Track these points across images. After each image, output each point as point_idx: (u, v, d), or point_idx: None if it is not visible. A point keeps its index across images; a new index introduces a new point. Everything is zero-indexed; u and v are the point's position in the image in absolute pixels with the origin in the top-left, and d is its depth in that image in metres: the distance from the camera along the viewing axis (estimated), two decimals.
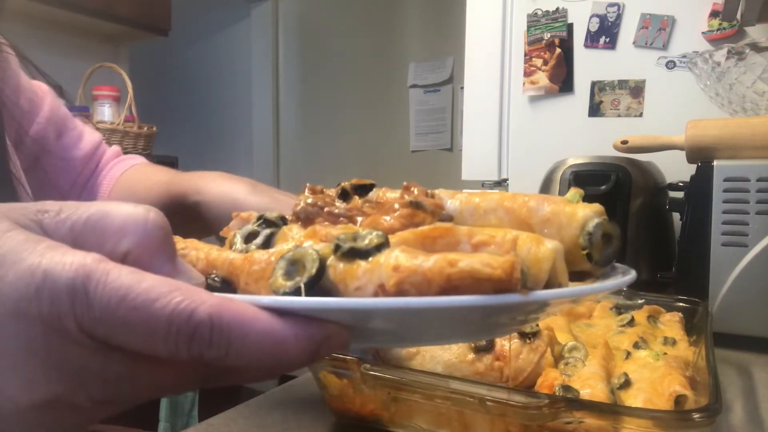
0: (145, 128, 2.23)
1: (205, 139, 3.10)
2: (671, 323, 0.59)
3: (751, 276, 0.69)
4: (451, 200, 0.28)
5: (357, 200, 0.27)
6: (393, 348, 0.39)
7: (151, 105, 2.58)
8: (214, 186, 0.56)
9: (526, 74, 1.27)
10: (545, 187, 0.97)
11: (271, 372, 0.21)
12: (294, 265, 0.21)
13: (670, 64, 1.13)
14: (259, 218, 0.26)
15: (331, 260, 0.21)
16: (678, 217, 0.86)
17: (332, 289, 0.21)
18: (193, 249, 0.25)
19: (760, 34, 1.04)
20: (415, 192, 0.27)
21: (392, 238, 0.22)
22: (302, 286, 0.20)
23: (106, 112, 2.18)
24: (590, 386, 0.39)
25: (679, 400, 0.39)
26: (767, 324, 0.69)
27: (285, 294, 0.21)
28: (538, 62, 1.25)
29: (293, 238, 0.24)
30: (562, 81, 1.23)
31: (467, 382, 0.37)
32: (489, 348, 0.42)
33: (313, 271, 0.21)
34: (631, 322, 0.56)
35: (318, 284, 0.21)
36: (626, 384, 0.42)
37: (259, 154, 3.01)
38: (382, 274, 0.20)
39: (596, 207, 0.27)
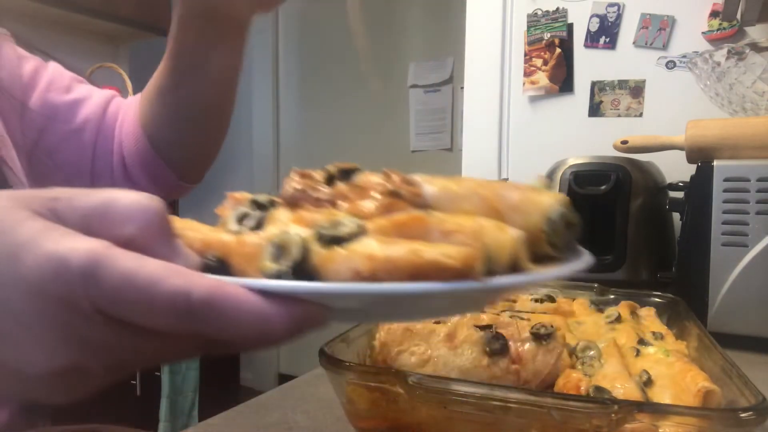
0: None
1: None
2: (650, 318, 0.59)
3: (751, 276, 0.69)
4: (429, 186, 0.29)
5: (340, 185, 0.29)
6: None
7: None
8: None
9: (526, 74, 1.27)
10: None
11: (259, 345, 0.23)
12: (280, 250, 0.23)
13: (670, 64, 1.13)
14: (251, 200, 0.29)
15: (313, 245, 0.23)
16: (678, 217, 0.86)
17: (315, 272, 0.23)
18: (190, 230, 0.26)
19: (760, 34, 1.04)
20: (396, 179, 0.28)
21: (370, 224, 0.25)
22: (287, 269, 0.23)
23: None
24: (621, 386, 0.39)
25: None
26: (767, 324, 0.69)
27: (271, 276, 0.23)
28: (538, 62, 1.25)
29: (281, 221, 0.26)
30: (562, 81, 1.23)
31: (524, 391, 0.36)
32: (503, 351, 0.42)
33: (297, 256, 0.23)
34: (619, 319, 0.57)
35: (302, 267, 0.23)
36: (649, 382, 0.42)
37: (259, 154, 3.01)
38: (357, 261, 0.22)
39: (559, 197, 0.29)
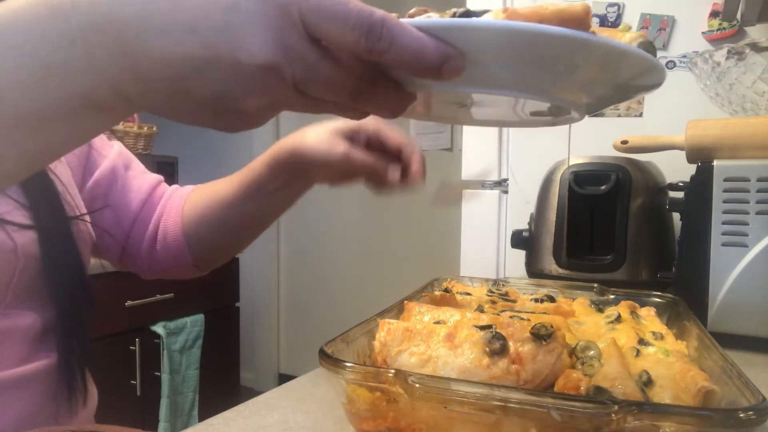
0: (145, 128, 2.23)
1: (205, 139, 3.10)
2: (650, 317, 0.59)
3: (751, 276, 0.69)
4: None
5: None
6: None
7: None
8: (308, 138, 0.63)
9: None
10: (545, 187, 0.97)
11: (415, 69, 0.30)
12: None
13: (670, 64, 1.13)
14: None
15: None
16: (678, 217, 0.86)
17: None
18: None
19: (760, 34, 1.04)
20: None
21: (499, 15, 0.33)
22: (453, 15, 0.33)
23: None
24: (622, 386, 0.39)
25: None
26: (767, 324, 0.69)
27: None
28: None
29: None
30: None
31: (524, 391, 0.36)
32: (503, 351, 0.42)
33: (458, 12, 0.33)
34: (618, 319, 0.57)
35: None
36: (649, 382, 0.42)
37: (260, 154, 3.01)
38: (491, 15, 0.33)
39: (641, 33, 0.39)
